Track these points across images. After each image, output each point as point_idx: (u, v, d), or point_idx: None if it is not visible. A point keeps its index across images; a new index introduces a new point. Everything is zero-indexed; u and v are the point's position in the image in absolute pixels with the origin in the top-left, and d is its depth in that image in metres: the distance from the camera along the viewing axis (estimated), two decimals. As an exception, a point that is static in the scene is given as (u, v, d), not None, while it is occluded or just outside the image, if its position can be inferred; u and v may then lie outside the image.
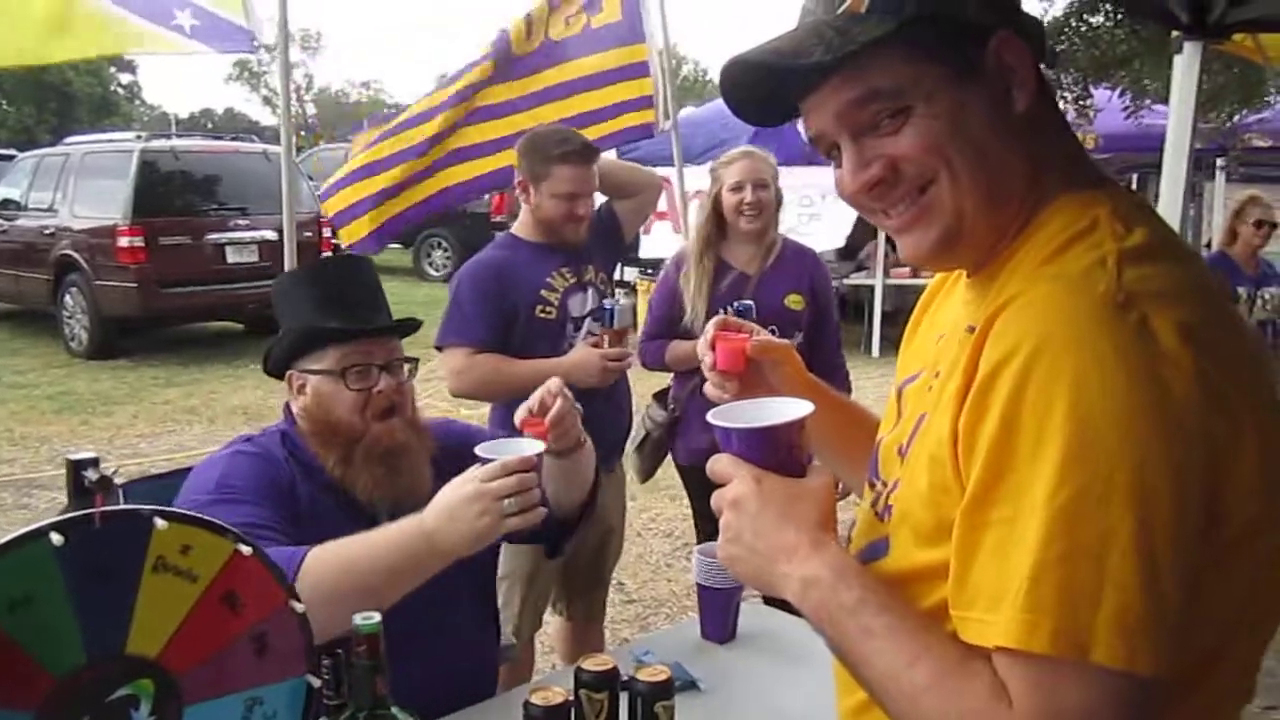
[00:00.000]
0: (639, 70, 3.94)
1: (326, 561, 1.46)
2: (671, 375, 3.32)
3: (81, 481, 1.08)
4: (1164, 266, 0.83)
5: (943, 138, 0.89)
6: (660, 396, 3.30)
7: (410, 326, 1.87)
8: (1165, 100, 7.19)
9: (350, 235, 3.95)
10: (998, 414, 0.78)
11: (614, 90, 3.91)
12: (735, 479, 0.97)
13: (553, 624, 3.20)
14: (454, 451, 1.85)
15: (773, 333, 2.98)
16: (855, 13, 0.89)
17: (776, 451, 0.98)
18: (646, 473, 3.37)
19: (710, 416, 1.03)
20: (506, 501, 1.46)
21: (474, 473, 1.49)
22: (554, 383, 1.68)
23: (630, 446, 3.33)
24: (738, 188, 3.08)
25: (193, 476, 1.71)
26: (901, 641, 0.85)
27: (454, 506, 1.47)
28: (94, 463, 1.09)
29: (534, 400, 1.65)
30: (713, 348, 1.24)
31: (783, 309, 3.08)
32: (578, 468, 1.80)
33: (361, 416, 1.72)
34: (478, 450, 1.52)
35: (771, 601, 2.89)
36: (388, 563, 1.47)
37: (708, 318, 3.00)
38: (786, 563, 0.92)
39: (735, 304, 3.00)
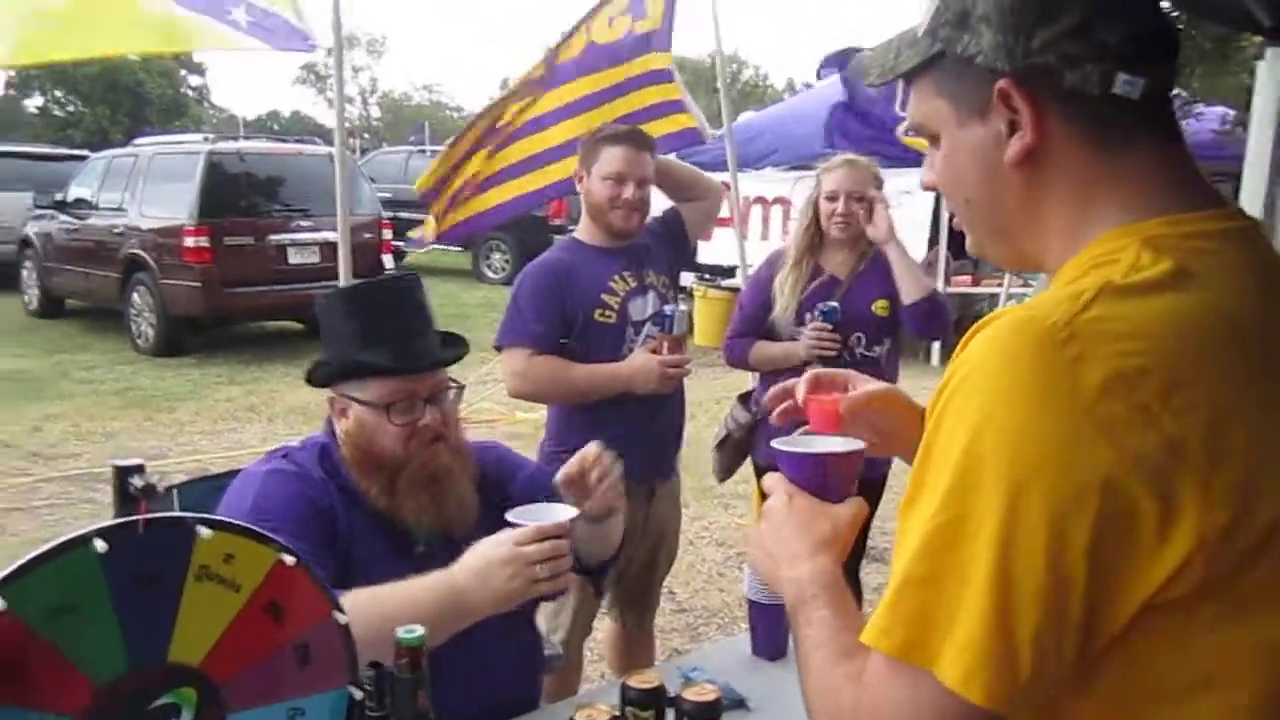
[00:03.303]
0: (664, 76, 3.94)
1: (360, 609, 1.42)
2: (756, 376, 3.32)
3: (127, 488, 1.08)
4: (1153, 304, 0.78)
5: (948, 176, 0.95)
6: (745, 398, 3.28)
7: (455, 354, 1.82)
8: (1221, 102, 7.00)
9: (432, 229, 3.99)
10: (930, 432, 0.82)
11: (646, 93, 3.91)
12: (774, 494, 1.09)
13: (603, 631, 3.18)
14: (494, 477, 1.84)
15: (859, 340, 3.03)
16: (915, 35, 0.94)
17: (816, 477, 1.08)
18: (726, 472, 3.38)
19: (774, 441, 1.13)
20: (539, 567, 1.49)
21: (508, 534, 1.51)
22: (591, 449, 1.70)
23: (711, 445, 3.36)
24: (833, 197, 3.07)
25: (229, 493, 1.70)
26: (822, 631, 0.92)
27: (487, 568, 1.50)
28: (139, 469, 1.09)
29: (573, 467, 1.68)
30: (806, 407, 1.25)
31: (870, 315, 3.07)
32: (607, 532, 1.81)
33: (405, 447, 1.69)
34: (509, 516, 1.52)
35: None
36: (416, 616, 1.45)
37: (796, 319, 3.03)
38: (789, 568, 1.01)
39: (821, 305, 3.00)
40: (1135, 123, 0.87)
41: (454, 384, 1.79)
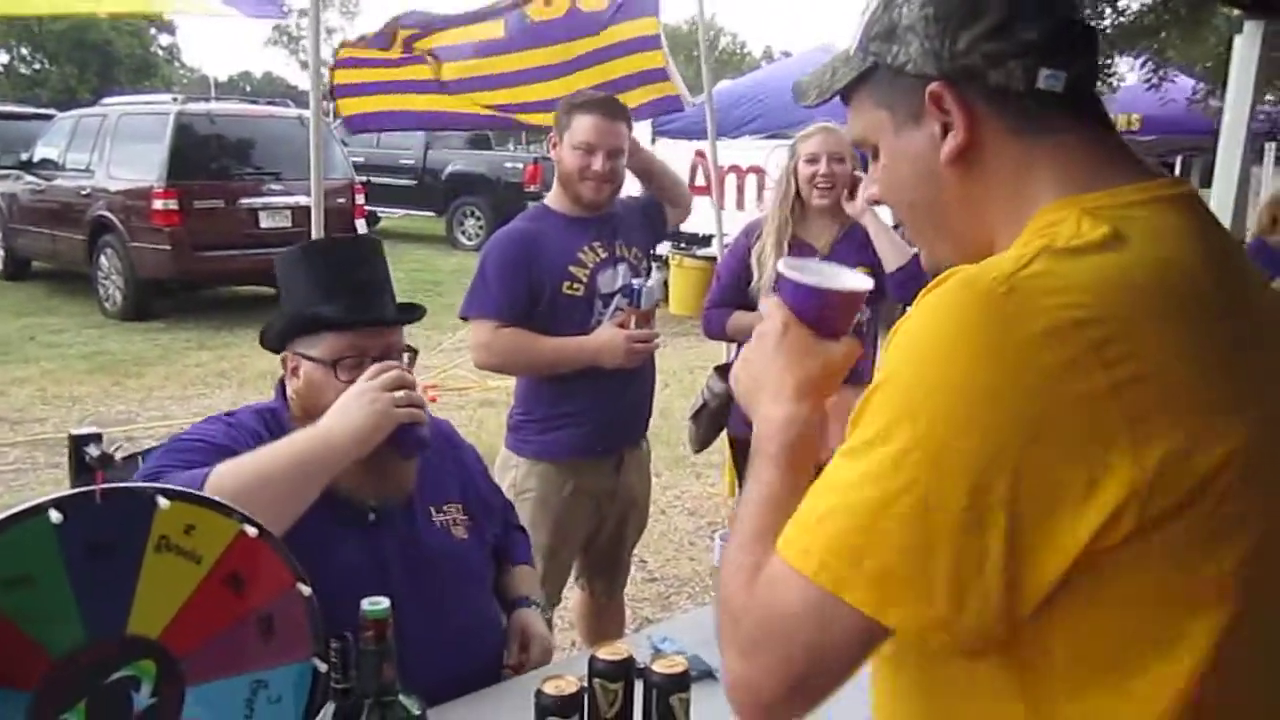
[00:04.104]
0: (651, 43, 3.90)
1: (234, 474, 1.45)
2: (733, 347, 3.29)
3: (83, 457, 1.05)
4: (1091, 261, 0.81)
5: (889, 183, 0.98)
6: (722, 369, 3.28)
7: (410, 316, 1.81)
8: (1190, 73, 7.02)
9: (348, 108, 3.91)
10: (875, 378, 0.84)
11: (631, 60, 3.86)
12: (770, 319, 1.05)
13: (573, 599, 3.18)
14: (437, 447, 1.82)
15: None
16: (847, 54, 0.97)
17: (814, 309, 1.04)
18: (702, 443, 3.37)
19: (780, 264, 1.09)
20: (395, 393, 1.58)
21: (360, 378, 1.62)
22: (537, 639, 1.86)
23: (687, 415, 3.34)
24: (813, 160, 3.04)
25: None
26: (761, 492, 0.93)
27: (345, 404, 1.57)
28: (96, 438, 1.06)
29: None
30: None
31: None
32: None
33: None
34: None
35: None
36: (289, 467, 1.49)
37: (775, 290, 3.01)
38: (769, 400, 1.00)
39: None
40: (1062, 114, 0.90)
41: (407, 349, 1.77)
